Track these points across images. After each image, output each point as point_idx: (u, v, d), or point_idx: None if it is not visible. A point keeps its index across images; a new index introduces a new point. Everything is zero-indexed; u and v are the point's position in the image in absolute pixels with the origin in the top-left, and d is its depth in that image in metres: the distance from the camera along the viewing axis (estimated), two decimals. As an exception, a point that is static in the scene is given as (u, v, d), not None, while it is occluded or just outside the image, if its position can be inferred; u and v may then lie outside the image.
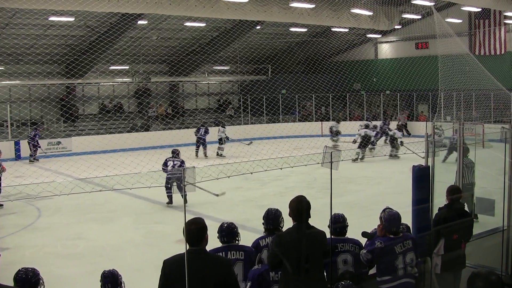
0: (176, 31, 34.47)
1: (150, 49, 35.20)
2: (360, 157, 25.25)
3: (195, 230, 5.22)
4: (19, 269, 5.46)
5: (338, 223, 7.18)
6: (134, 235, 13.09)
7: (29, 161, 28.42)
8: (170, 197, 16.67)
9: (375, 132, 27.34)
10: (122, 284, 5.95)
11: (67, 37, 32.35)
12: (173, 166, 16.87)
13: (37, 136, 29.29)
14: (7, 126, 31.54)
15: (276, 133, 36.45)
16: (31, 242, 13.06)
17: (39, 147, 29.11)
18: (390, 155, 26.05)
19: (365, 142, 25.57)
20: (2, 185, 16.92)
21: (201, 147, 28.97)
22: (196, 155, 29.02)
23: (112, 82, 37.41)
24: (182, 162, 17.31)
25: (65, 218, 15.43)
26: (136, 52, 34.04)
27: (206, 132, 29.02)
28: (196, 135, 28.91)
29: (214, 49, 36.79)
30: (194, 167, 5.89)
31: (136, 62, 35.49)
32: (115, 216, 15.53)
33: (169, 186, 16.20)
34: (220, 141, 29.65)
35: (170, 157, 17.57)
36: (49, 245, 12.76)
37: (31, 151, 28.93)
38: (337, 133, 31.02)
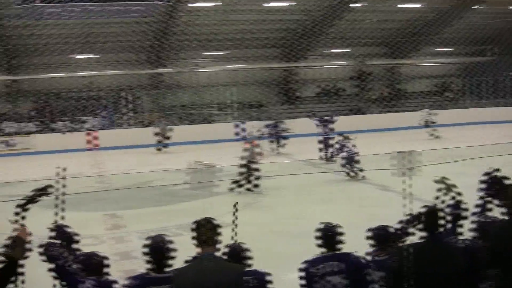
0: (394, 12, 33.88)
1: (368, 31, 34.92)
2: None
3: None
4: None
5: None
6: (352, 217, 12.95)
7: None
8: (348, 172, 17.95)
9: None
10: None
11: (285, 21, 32.98)
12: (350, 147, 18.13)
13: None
14: (233, 108, 32.92)
15: (499, 118, 34.55)
16: (254, 219, 13.43)
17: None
18: None
19: None
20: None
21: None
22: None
23: (330, 65, 37.61)
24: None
25: (287, 197, 15.74)
26: (354, 35, 33.92)
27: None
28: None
29: (433, 30, 35.76)
30: (417, 151, 5.70)
31: (354, 45, 35.41)
32: (335, 197, 15.53)
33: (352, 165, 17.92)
34: (427, 123, 28.91)
35: (344, 141, 18.45)
36: (270, 223, 13.03)
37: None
38: None
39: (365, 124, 31.32)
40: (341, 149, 18.51)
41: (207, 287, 4.38)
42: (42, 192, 4.91)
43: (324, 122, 23.05)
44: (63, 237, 5.38)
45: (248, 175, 16.33)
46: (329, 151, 21.91)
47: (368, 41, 36.12)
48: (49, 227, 5.38)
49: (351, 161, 18.06)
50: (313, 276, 5.32)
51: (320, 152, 22.42)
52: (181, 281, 4.51)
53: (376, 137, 28.35)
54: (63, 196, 5.43)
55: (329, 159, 21.76)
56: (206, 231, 4.60)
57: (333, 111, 23.63)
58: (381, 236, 5.95)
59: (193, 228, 4.66)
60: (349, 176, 18.04)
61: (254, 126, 23.63)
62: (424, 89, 41.62)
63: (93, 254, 5.22)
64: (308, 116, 24.01)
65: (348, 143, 18.35)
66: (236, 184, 16.41)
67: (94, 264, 5.07)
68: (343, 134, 18.94)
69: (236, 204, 5.31)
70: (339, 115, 23.64)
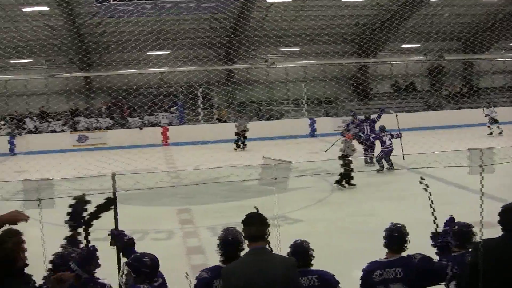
0: (470, 6, 33.15)
1: (443, 26, 34.31)
2: None
3: None
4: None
5: None
6: (424, 215, 12.73)
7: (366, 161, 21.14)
8: (382, 166, 18.54)
9: None
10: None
11: (360, 17, 32.73)
12: (390, 140, 18.54)
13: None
14: (304, 104, 32.93)
15: None
16: (323, 215, 13.36)
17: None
18: None
19: None
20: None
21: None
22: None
23: (405, 61, 37.19)
24: (392, 136, 18.70)
25: (357, 194, 15.61)
26: (428, 29, 33.38)
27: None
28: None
29: (510, 24, 34.87)
30: (493, 148, 5.59)
31: (428, 40, 34.84)
32: (406, 195, 15.22)
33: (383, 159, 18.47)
34: (493, 120, 28.34)
35: (382, 134, 18.74)
36: (341, 219, 12.92)
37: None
38: None
39: (441, 120, 31.00)
40: (377, 137, 18.94)
41: (257, 282, 4.32)
42: (107, 205, 4.96)
43: (365, 121, 21.13)
44: (123, 242, 5.41)
45: (347, 169, 16.10)
46: (370, 152, 20.17)
47: (444, 35, 35.46)
48: (109, 234, 5.44)
49: (382, 155, 18.57)
50: (372, 282, 5.26)
51: (365, 153, 20.46)
52: (230, 277, 4.47)
53: (453, 133, 27.75)
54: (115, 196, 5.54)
55: (368, 162, 20.36)
56: (255, 226, 4.56)
57: (382, 108, 22.24)
58: (457, 233, 5.86)
59: (242, 224, 4.63)
60: (381, 170, 18.57)
61: (344, 120, 23.26)
62: (502, 84, 40.65)
63: (145, 255, 5.05)
64: (353, 114, 21.85)
65: (385, 136, 18.57)
66: (340, 180, 16.20)
67: (148, 267, 4.91)
68: (382, 129, 19.01)
69: (256, 207, 5.27)
70: (385, 113, 21.27)
